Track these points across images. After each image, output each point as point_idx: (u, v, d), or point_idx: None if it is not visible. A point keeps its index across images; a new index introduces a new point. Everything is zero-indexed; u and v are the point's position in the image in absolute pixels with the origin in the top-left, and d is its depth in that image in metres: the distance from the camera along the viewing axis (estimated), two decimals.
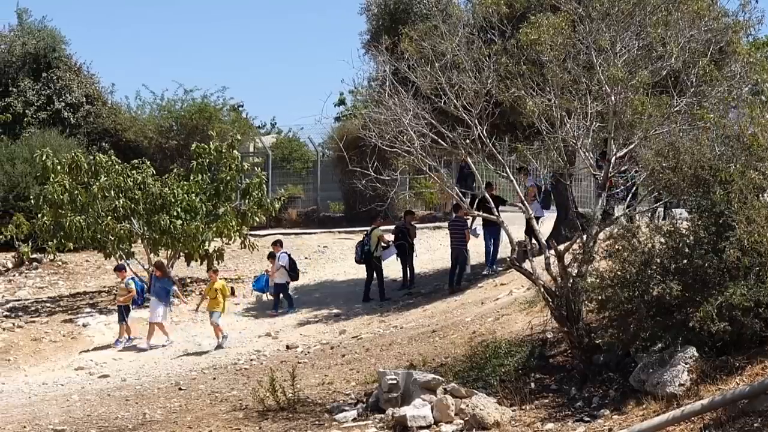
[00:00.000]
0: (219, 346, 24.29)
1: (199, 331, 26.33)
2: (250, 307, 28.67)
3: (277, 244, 28.89)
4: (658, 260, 13.85)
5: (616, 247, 14.40)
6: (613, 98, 15.07)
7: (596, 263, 15.01)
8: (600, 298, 14.31)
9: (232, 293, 28.32)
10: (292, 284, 28.38)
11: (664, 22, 15.48)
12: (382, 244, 28.12)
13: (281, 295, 27.89)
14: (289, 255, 28.46)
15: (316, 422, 15.27)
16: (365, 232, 28.93)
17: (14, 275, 33.10)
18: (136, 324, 26.15)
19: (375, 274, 27.78)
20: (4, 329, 27.04)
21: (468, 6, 24.84)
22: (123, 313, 25.81)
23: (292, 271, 28.22)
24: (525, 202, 16.59)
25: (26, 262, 33.30)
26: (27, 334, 26.72)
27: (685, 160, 14.28)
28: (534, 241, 26.71)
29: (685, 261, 13.60)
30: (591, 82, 15.36)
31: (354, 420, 15.06)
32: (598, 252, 15.10)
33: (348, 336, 23.38)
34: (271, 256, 28.45)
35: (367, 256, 27.94)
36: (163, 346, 24.91)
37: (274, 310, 27.60)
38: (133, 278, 27.01)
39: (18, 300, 30.41)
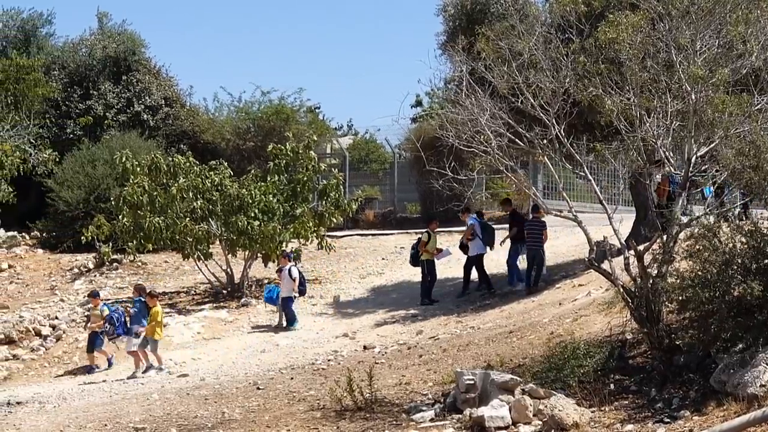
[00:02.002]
0: (145, 370, 23.70)
1: (274, 331, 26.50)
2: (327, 307, 28.71)
3: (284, 257, 27.97)
4: (740, 260, 13.69)
5: (697, 247, 14.25)
6: (693, 97, 14.91)
7: (676, 263, 14.86)
8: (680, 298, 14.18)
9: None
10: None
11: (744, 20, 15.28)
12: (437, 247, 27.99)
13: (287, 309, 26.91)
14: (298, 268, 27.80)
15: (394, 422, 15.25)
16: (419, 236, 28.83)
17: (95, 275, 33.49)
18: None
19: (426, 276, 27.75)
20: (86, 329, 27.39)
21: (545, 5, 24.78)
22: (93, 341, 25.04)
23: (301, 285, 27.27)
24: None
25: (107, 263, 33.65)
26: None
27: (766, 159, 14.10)
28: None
29: (767, 261, 13.42)
30: (671, 81, 15.21)
31: (431, 420, 15.02)
32: (678, 252, 14.94)
33: (425, 336, 23.35)
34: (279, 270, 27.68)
35: (415, 259, 28.00)
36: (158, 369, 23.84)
37: (292, 325, 26.70)
38: (107, 304, 26.26)
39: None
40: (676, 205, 15.70)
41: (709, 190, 30.53)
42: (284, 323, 26.78)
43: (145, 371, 23.63)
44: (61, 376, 24.88)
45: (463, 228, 29.47)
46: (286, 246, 29.75)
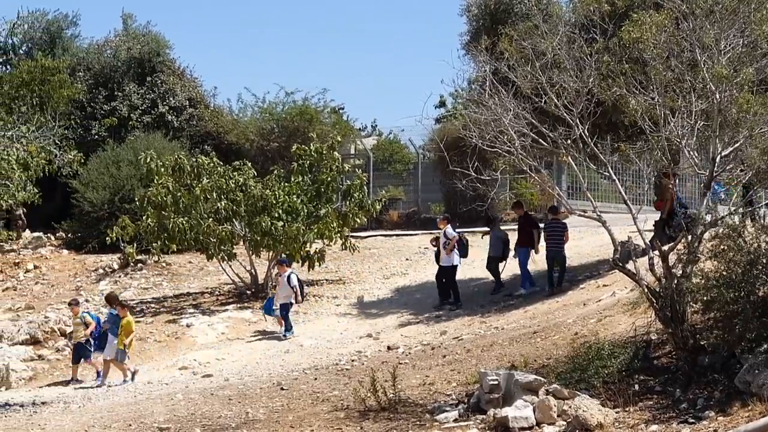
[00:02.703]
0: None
1: (301, 332, 26.50)
2: (351, 307, 28.72)
3: (283, 263, 27.49)
4: (764, 260, 13.65)
5: (722, 247, 14.20)
6: (717, 96, 14.86)
7: (701, 263, 14.81)
8: (705, 298, 14.14)
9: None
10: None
11: None
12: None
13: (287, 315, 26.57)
14: (297, 275, 27.25)
15: (417, 423, 15.24)
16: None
17: (120, 276, 33.60)
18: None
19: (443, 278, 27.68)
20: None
21: (569, 4, 24.73)
22: (79, 351, 24.57)
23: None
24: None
25: (131, 264, 33.75)
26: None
27: None
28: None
29: None
30: (695, 80, 15.16)
31: (455, 421, 15.00)
32: (703, 252, 14.88)
33: (449, 337, 23.34)
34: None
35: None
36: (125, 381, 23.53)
37: (288, 333, 26.25)
38: (88, 312, 25.99)
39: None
40: (700, 205, 15.64)
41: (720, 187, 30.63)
42: (285, 330, 26.38)
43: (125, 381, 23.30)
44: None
45: (483, 228, 29.53)
46: (310, 246, 29.76)
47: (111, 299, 25.19)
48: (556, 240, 26.46)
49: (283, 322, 26.45)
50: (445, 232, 27.50)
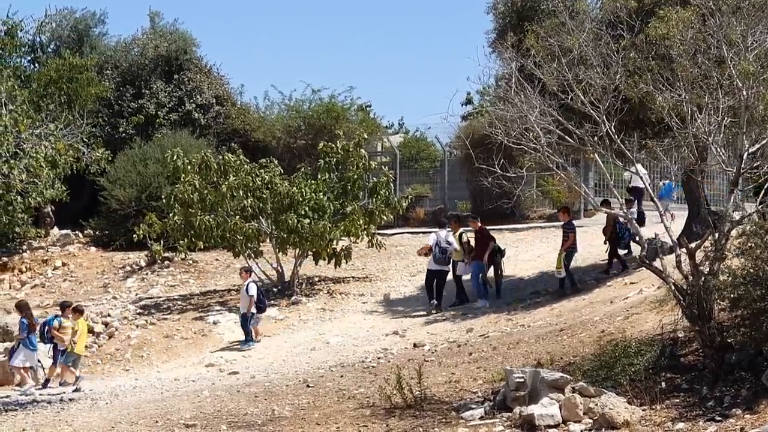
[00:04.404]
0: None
1: (327, 329, 26.54)
2: (377, 305, 28.72)
3: (247, 271, 27.20)
4: None
5: (749, 244, 14.14)
6: (744, 93, 14.79)
7: (728, 261, 14.74)
8: (732, 296, 14.07)
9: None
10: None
11: None
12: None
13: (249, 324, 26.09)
14: (257, 285, 26.94)
15: (443, 420, 15.24)
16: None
17: (147, 273, 33.75)
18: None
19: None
20: (137, 326, 27.62)
21: (596, 1, 24.65)
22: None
23: (260, 302, 26.24)
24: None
25: (158, 261, 33.90)
26: (159, 332, 27.25)
27: None
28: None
29: None
30: (722, 77, 15.09)
31: (481, 418, 14.98)
32: (730, 249, 14.82)
33: (475, 334, 23.30)
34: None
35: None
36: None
37: (247, 344, 25.79)
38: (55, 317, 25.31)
39: (150, 298, 31.00)
40: (728, 202, 15.57)
41: (669, 187, 30.81)
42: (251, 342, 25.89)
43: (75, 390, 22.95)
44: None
45: (516, 225, 29.53)
46: (336, 244, 29.79)
47: (21, 307, 24.81)
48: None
49: (248, 331, 26.01)
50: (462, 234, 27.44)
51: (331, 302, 28.82)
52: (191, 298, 30.65)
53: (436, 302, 26.86)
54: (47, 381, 24.21)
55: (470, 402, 16.06)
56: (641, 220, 26.86)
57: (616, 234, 26.94)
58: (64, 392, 22.89)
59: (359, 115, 44.55)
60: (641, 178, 17.38)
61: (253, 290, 26.03)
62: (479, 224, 27.71)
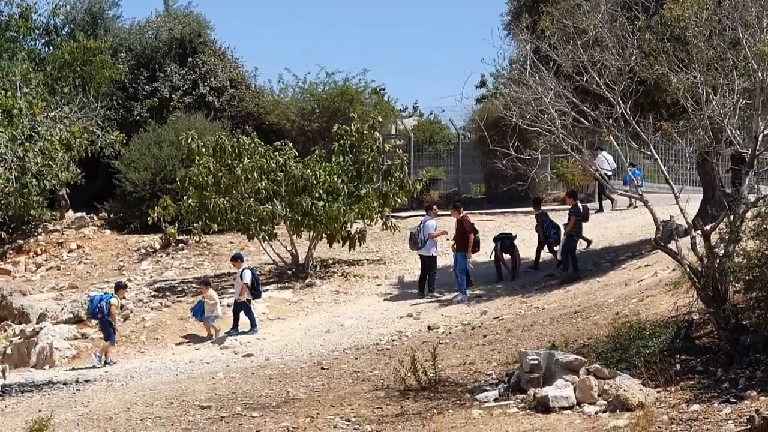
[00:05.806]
0: None
1: (341, 312, 26.58)
2: (391, 287, 28.72)
3: (237, 259, 27.20)
4: None
5: (764, 226, 14.11)
6: (760, 74, 14.75)
7: (743, 243, 14.70)
8: (747, 278, 14.06)
9: None
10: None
11: None
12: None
13: (241, 314, 26.06)
14: (252, 271, 26.70)
15: (458, 402, 15.26)
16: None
17: (161, 256, 33.82)
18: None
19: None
20: (152, 308, 27.73)
21: None
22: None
23: (255, 289, 26.26)
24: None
25: (173, 244, 33.98)
26: (174, 314, 27.34)
27: None
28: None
29: None
30: (737, 59, 15.04)
31: (495, 400, 15.00)
32: (745, 231, 14.78)
33: (489, 317, 23.32)
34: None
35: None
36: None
37: (233, 330, 25.80)
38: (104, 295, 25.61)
39: (165, 280, 31.08)
40: (742, 184, 15.52)
41: (639, 174, 30.78)
42: (240, 329, 25.86)
43: None
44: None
45: (530, 208, 29.52)
46: (351, 226, 29.79)
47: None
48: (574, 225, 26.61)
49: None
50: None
51: (346, 285, 28.85)
52: None
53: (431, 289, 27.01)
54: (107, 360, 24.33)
55: (484, 384, 16.07)
56: (585, 215, 27.26)
57: (544, 233, 27.75)
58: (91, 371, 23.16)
59: (373, 98, 44.49)
60: (657, 159, 17.35)
61: (248, 277, 25.95)
62: (460, 213, 27.21)
